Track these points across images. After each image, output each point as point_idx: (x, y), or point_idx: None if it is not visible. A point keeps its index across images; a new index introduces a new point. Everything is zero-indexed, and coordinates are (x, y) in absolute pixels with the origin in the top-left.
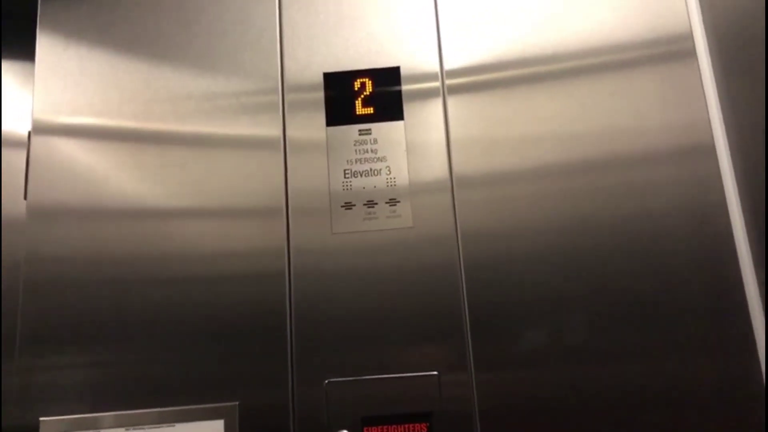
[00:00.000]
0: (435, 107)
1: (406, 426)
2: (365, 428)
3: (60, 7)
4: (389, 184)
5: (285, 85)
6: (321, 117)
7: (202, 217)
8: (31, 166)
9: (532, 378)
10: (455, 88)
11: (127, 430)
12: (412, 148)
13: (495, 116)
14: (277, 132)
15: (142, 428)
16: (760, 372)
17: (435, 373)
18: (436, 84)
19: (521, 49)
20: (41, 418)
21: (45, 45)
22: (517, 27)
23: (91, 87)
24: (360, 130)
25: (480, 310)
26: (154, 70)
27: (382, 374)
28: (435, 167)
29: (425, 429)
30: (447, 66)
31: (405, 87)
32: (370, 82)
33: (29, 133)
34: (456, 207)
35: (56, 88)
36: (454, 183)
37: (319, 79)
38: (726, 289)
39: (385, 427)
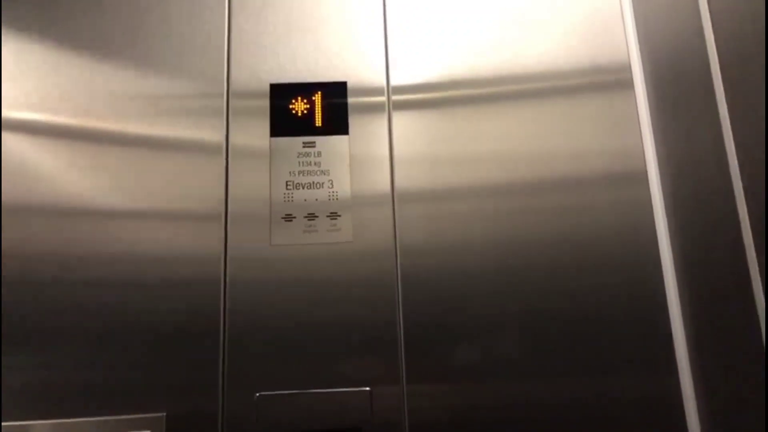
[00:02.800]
0: (380, 122)
1: None
2: None
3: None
4: (331, 197)
5: (230, 90)
6: (265, 125)
7: (137, 219)
8: None
9: (464, 393)
10: (401, 104)
11: None
12: (355, 162)
13: (438, 134)
14: (219, 137)
15: None
16: (680, 392)
17: (367, 388)
18: (382, 99)
19: (467, 70)
20: None
21: None
22: (465, 49)
23: (31, 82)
24: (304, 143)
25: (415, 325)
26: (96, 68)
27: (315, 388)
28: (377, 182)
29: None
30: (393, 82)
31: (351, 101)
32: (316, 95)
33: None
34: (396, 222)
35: (4, 80)
36: (395, 198)
37: (266, 88)
38: (651, 311)
39: None
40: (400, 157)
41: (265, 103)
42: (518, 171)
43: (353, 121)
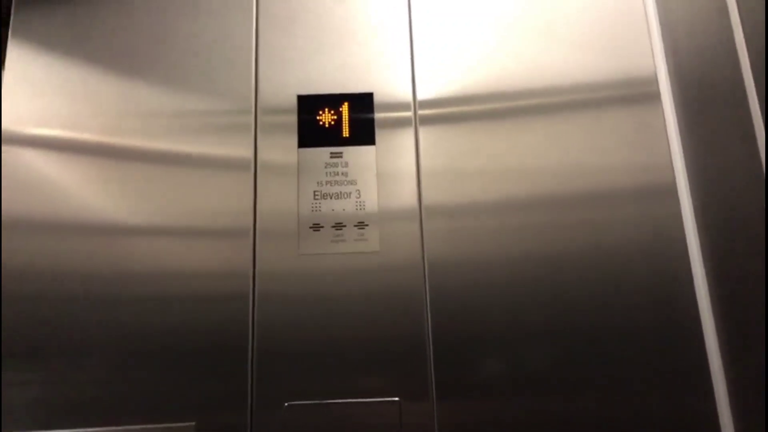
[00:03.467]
0: (407, 136)
1: None
2: None
3: (34, 15)
4: (358, 207)
5: (258, 106)
6: (293, 139)
7: (167, 236)
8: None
9: (493, 406)
10: (427, 118)
11: None
12: (382, 175)
13: (465, 148)
14: (248, 153)
15: None
16: (714, 408)
17: (396, 399)
18: (409, 113)
19: (493, 85)
20: None
21: (15, 52)
22: (490, 63)
23: (60, 98)
24: (332, 153)
25: (444, 337)
26: (126, 84)
27: (343, 399)
28: (404, 194)
29: None
30: (420, 96)
31: (378, 114)
32: (343, 106)
33: None
34: (423, 234)
35: (24, 96)
36: (422, 210)
37: (293, 102)
38: (683, 325)
39: None
40: (427, 170)
41: (293, 115)
42: (545, 185)
43: (380, 133)
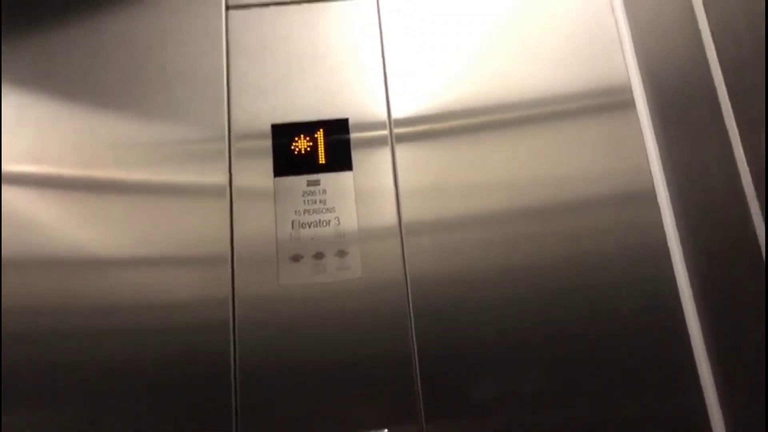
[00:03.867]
0: (384, 156)
1: None
2: None
3: (3, 53)
4: (338, 234)
5: (232, 133)
6: (268, 165)
7: (146, 266)
8: None
9: (485, 428)
10: (403, 136)
11: None
12: (361, 197)
13: (443, 164)
14: (222, 180)
15: None
16: (705, 411)
17: (385, 430)
18: (384, 132)
19: (467, 100)
20: None
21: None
22: (463, 79)
23: (31, 135)
24: (309, 181)
25: (430, 359)
26: (97, 118)
27: (331, 430)
28: (384, 215)
29: None
30: (395, 115)
31: (354, 136)
32: (318, 132)
33: None
34: (405, 254)
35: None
36: (402, 230)
37: (267, 129)
38: (669, 331)
39: None
40: (406, 189)
41: (268, 143)
42: (525, 197)
43: (357, 157)
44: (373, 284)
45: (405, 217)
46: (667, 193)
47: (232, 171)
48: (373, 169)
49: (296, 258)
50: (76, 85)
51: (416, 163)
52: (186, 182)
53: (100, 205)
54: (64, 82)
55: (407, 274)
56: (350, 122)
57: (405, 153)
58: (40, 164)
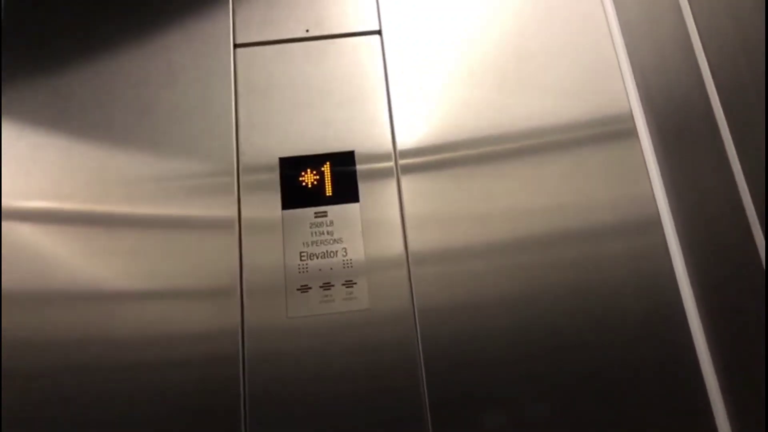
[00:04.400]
0: (389, 187)
1: None
2: None
3: (19, 93)
4: (346, 265)
5: (240, 167)
6: (276, 199)
7: (154, 300)
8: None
9: None
10: (409, 167)
11: None
12: (367, 228)
13: (448, 195)
14: (231, 213)
15: None
16: None
17: None
18: (390, 164)
19: (471, 131)
20: None
21: (9, 130)
22: (466, 110)
23: (44, 174)
24: (316, 213)
25: (439, 389)
26: (108, 155)
27: None
28: (391, 246)
29: None
30: (400, 147)
31: (360, 168)
32: (325, 166)
33: None
34: (413, 284)
35: (9, 173)
36: (410, 260)
37: (275, 162)
38: (679, 360)
39: None
40: (412, 219)
41: (275, 177)
42: (531, 227)
43: (363, 188)
44: (381, 315)
45: (412, 246)
46: (671, 220)
47: (241, 204)
48: (379, 200)
49: (304, 289)
50: (88, 124)
51: (421, 193)
52: (195, 215)
53: (110, 239)
54: (76, 120)
55: (415, 303)
56: (356, 154)
57: (410, 184)
58: (52, 201)
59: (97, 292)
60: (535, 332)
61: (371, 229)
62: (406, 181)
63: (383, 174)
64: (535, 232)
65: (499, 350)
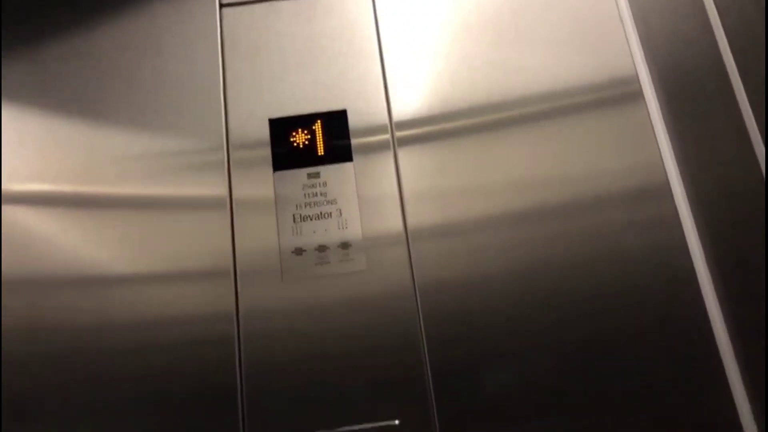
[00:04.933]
0: (384, 149)
1: None
2: None
3: None
4: (341, 226)
5: (229, 129)
6: (267, 161)
7: (147, 281)
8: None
9: (496, 420)
10: (405, 139)
11: None
12: (362, 188)
13: (446, 166)
14: (221, 176)
15: None
16: (735, 410)
17: (396, 422)
18: (384, 120)
19: (468, 99)
20: None
21: (8, 112)
22: (464, 76)
23: (29, 153)
24: (308, 174)
25: (441, 352)
26: (95, 132)
27: (339, 426)
28: (386, 205)
29: None
30: (393, 102)
31: (353, 129)
32: (316, 125)
33: None
34: (410, 244)
35: (18, 154)
36: (407, 219)
37: (265, 124)
38: (692, 326)
39: None
40: (407, 181)
41: (266, 138)
42: (535, 196)
43: (357, 147)
44: (379, 276)
45: (408, 203)
46: (681, 186)
47: (231, 166)
48: (373, 162)
49: (298, 251)
50: (73, 98)
51: (418, 162)
52: (185, 178)
53: (100, 221)
54: (61, 95)
55: (413, 263)
56: (349, 113)
57: (406, 153)
58: (38, 182)
59: (86, 275)
60: (541, 304)
61: (365, 190)
62: (401, 142)
63: (377, 134)
64: (539, 203)
65: (503, 321)
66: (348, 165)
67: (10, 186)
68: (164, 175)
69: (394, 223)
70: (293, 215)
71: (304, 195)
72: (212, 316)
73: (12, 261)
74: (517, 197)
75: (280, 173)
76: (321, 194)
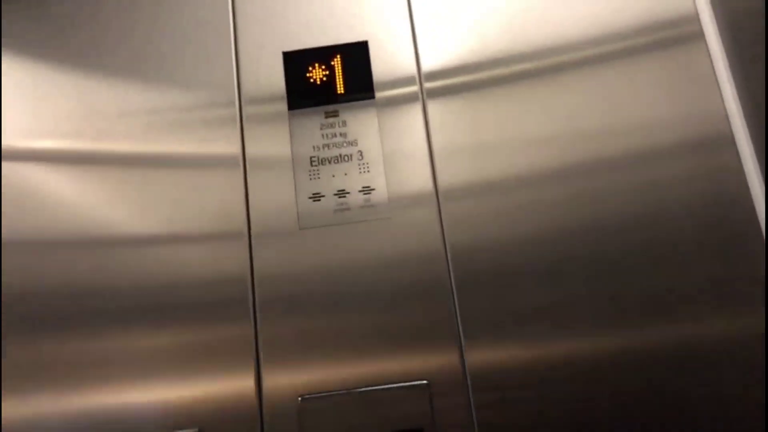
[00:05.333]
0: (408, 87)
1: None
2: None
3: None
4: (362, 170)
5: (240, 66)
6: (282, 99)
7: (160, 242)
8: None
9: (534, 384)
10: (434, 90)
11: None
12: (385, 129)
13: (479, 117)
14: (232, 112)
15: None
16: None
17: (425, 382)
18: (409, 52)
19: (506, 45)
20: None
21: (8, 65)
22: (501, 20)
23: (36, 109)
24: (326, 113)
25: (471, 307)
26: (104, 86)
27: (363, 387)
28: (412, 145)
29: None
30: (420, 45)
31: (375, 64)
32: (335, 59)
33: None
34: (438, 187)
35: (19, 110)
36: (434, 158)
37: (279, 68)
38: (757, 283)
39: None
40: (434, 114)
41: (280, 78)
42: (582, 151)
43: (379, 86)
44: (404, 224)
45: (436, 141)
46: (747, 136)
47: (242, 107)
48: (396, 98)
49: (316, 197)
50: (78, 52)
51: (445, 110)
52: (195, 121)
53: (110, 180)
54: (66, 51)
55: (441, 209)
56: (370, 45)
57: (432, 105)
58: (46, 139)
59: (93, 237)
60: (586, 264)
61: (388, 130)
62: (428, 94)
63: (400, 67)
64: (586, 157)
65: (545, 276)
66: (370, 103)
67: (12, 142)
68: (174, 131)
69: (422, 171)
70: (310, 158)
71: (322, 136)
72: (225, 256)
73: (17, 221)
74: (565, 151)
75: (295, 112)
76: (340, 135)
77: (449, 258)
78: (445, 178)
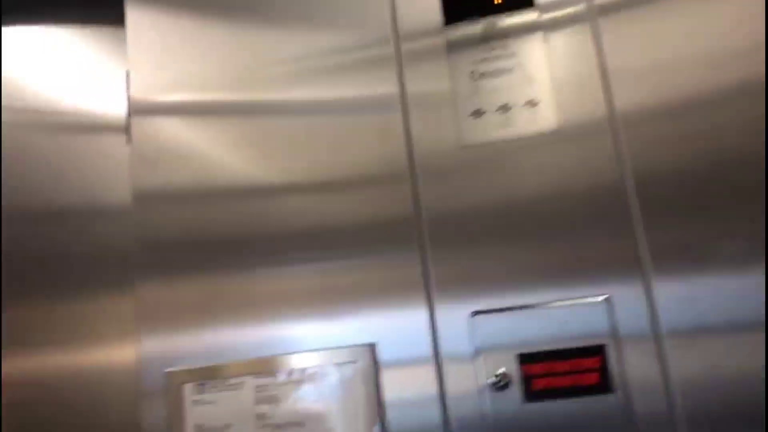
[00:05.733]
0: None
1: (573, 362)
2: (523, 366)
3: None
4: (525, 81)
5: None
6: (437, 14)
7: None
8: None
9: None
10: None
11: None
12: (547, 33)
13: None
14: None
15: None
16: None
17: (606, 295)
18: None
19: None
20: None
21: (134, 16)
22: None
23: (186, 59)
24: (485, 25)
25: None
26: (244, 34)
27: (538, 303)
28: (579, 53)
29: (597, 365)
30: None
31: None
32: None
33: (128, 114)
34: (612, 90)
35: (148, 63)
36: (608, 74)
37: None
38: None
39: (546, 363)
40: (605, 28)
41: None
42: None
43: None
44: (573, 136)
45: (607, 58)
46: None
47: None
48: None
49: (477, 114)
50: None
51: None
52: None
53: (257, 130)
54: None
55: (616, 113)
56: None
57: None
58: (197, 90)
59: (254, 186)
60: None
61: (553, 34)
62: None
63: None
64: None
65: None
66: (530, 11)
67: (166, 97)
68: (327, 75)
69: (593, 88)
70: (471, 72)
71: (481, 49)
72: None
73: (175, 175)
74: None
75: (450, 27)
76: (501, 47)
77: (628, 183)
78: (622, 97)
